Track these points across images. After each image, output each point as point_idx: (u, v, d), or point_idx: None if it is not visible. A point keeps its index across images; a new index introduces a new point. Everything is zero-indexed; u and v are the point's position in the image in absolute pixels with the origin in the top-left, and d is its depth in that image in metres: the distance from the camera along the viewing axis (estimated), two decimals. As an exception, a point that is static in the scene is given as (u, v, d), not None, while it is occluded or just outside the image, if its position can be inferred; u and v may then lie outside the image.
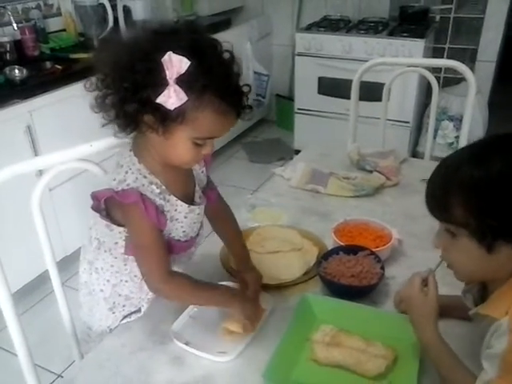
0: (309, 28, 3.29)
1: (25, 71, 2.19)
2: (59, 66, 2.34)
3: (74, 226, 2.31)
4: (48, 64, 2.42)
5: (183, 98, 0.78)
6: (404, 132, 3.12)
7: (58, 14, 2.79)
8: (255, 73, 3.49)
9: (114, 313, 1.03)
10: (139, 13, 2.73)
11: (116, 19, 2.66)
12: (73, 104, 2.25)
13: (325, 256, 1.15)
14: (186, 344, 0.97)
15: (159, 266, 0.91)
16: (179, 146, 0.85)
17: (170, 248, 0.97)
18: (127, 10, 2.71)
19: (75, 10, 2.75)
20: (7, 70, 2.18)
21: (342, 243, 1.18)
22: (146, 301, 1.04)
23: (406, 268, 1.18)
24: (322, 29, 3.24)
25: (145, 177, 0.89)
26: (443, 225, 0.81)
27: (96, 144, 1.11)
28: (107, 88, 0.84)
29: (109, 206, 0.94)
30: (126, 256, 0.97)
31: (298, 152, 1.94)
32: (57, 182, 2.19)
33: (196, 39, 0.82)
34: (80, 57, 2.47)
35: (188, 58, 0.78)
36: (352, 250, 1.15)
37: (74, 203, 2.34)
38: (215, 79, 0.81)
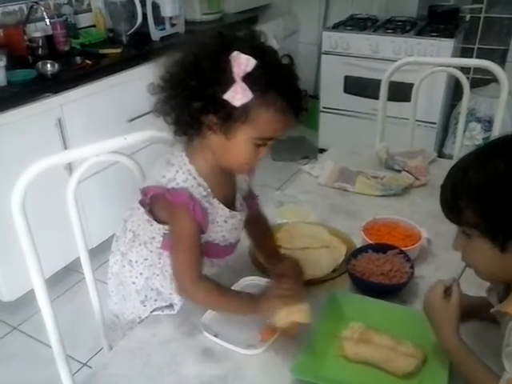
0: (336, 27, 3.28)
1: (56, 66, 2.23)
2: (89, 61, 2.39)
3: (100, 219, 2.35)
4: (78, 59, 2.47)
5: (249, 95, 0.80)
6: (430, 133, 3.09)
7: (89, 9, 2.84)
8: (280, 71, 3.48)
9: (145, 306, 1.04)
10: (168, 9, 2.75)
11: (145, 15, 2.68)
12: (101, 98, 2.29)
13: (354, 254, 1.15)
14: (216, 336, 0.98)
15: (192, 266, 0.92)
16: (239, 146, 0.86)
17: (208, 251, 0.98)
18: (156, 7, 2.73)
19: (105, 6, 2.79)
20: (40, 64, 2.23)
21: (370, 241, 1.18)
22: (176, 298, 1.04)
23: (435, 268, 1.17)
24: (349, 27, 3.22)
25: (194, 178, 0.90)
26: (459, 227, 0.83)
27: (130, 137, 1.13)
28: (172, 88, 0.85)
29: (154, 201, 0.95)
30: (161, 251, 0.98)
31: (322, 151, 1.94)
32: (85, 176, 2.22)
33: (258, 43, 0.85)
34: (109, 52, 2.52)
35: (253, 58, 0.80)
36: (381, 248, 1.15)
37: (101, 196, 2.38)
38: (278, 79, 0.83)
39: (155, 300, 1.04)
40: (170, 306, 1.05)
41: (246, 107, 0.81)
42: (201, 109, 0.83)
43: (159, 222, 0.96)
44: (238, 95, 0.80)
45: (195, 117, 0.84)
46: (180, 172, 0.89)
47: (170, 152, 0.94)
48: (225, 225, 0.98)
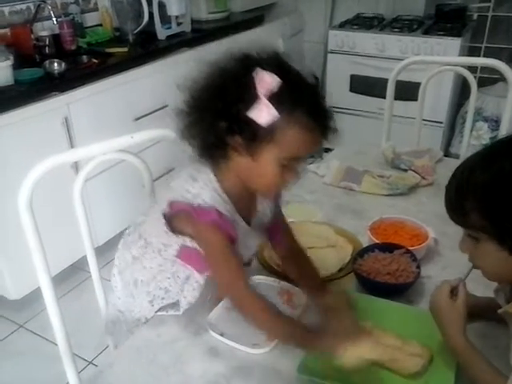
0: (342, 25, 3.27)
1: (63, 64, 2.24)
2: (95, 60, 2.40)
3: (106, 217, 2.36)
4: (85, 58, 2.48)
5: (274, 113, 0.79)
6: (437, 132, 3.08)
7: (95, 8, 2.85)
8: (286, 70, 3.48)
9: (152, 305, 1.04)
10: (174, 8, 2.75)
11: (151, 14, 2.69)
12: (108, 97, 2.30)
13: (360, 253, 1.14)
14: (222, 335, 0.98)
15: (237, 275, 0.89)
16: (266, 167, 0.84)
17: None
18: (162, 5, 2.73)
19: (112, 5, 2.80)
20: (47, 63, 2.24)
21: (377, 241, 1.18)
22: (183, 300, 1.03)
23: (442, 268, 1.17)
24: (356, 26, 3.21)
25: (219, 195, 0.89)
26: (465, 230, 0.82)
27: (137, 136, 1.13)
28: (197, 112, 0.85)
29: (176, 215, 0.94)
30: (176, 259, 0.97)
31: (328, 150, 1.92)
32: (91, 174, 2.23)
33: (282, 62, 0.84)
34: (115, 51, 2.52)
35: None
36: (388, 247, 1.14)
37: (107, 195, 2.39)
38: (304, 97, 0.82)
39: (162, 298, 1.04)
40: (176, 305, 1.05)
41: (272, 126, 0.80)
42: (226, 129, 0.82)
43: (177, 233, 0.95)
44: (263, 113, 0.79)
45: (221, 138, 0.83)
46: (206, 189, 0.88)
47: (194, 167, 0.92)
48: (243, 241, 0.96)
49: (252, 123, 0.79)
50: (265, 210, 0.99)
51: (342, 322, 0.90)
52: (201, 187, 0.88)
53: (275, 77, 0.79)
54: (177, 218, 0.94)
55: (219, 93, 0.82)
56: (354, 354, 0.84)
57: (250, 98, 0.79)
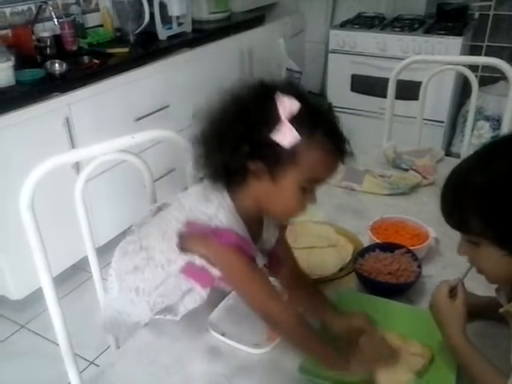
0: (343, 25, 3.27)
1: (64, 65, 2.25)
2: (97, 61, 2.40)
3: (108, 217, 2.36)
4: (86, 58, 2.48)
5: (297, 136, 0.80)
6: (438, 131, 3.07)
7: (96, 9, 2.85)
8: (287, 69, 3.48)
9: (152, 310, 1.01)
10: (175, 8, 2.75)
11: (152, 15, 2.69)
12: (109, 97, 2.31)
13: (361, 253, 1.15)
14: (223, 335, 0.98)
15: (268, 291, 0.88)
16: (287, 191, 0.85)
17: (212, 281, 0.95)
18: (163, 6, 2.74)
19: (113, 6, 2.80)
20: (48, 63, 2.24)
21: (378, 241, 1.18)
22: (184, 306, 1.00)
23: (443, 267, 1.17)
24: (357, 26, 3.21)
25: (234, 217, 0.88)
26: (463, 235, 0.81)
27: (138, 136, 1.13)
28: (216, 138, 0.85)
29: (189, 233, 0.92)
30: (178, 273, 0.95)
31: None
32: (92, 175, 2.24)
33: (297, 88, 0.86)
34: (116, 51, 2.53)
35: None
36: (388, 247, 1.14)
37: (109, 195, 2.39)
38: (324, 120, 0.84)
39: (162, 302, 1.02)
40: (174, 309, 1.01)
41: (293, 149, 0.81)
42: (248, 154, 0.82)
43: (187, 252, 0.93)
44: (286, 136, 0.80)
45: (242, 164, 0.83)
46: (221, 210, 0.87)
47: (206, 187, 0.91)
48: None
49: (275, 146, 0.81)
50: (269, 237, 0.98)
51: (373, 346, 0.90)
52: (216, 208, 0.87)
53: (294, 100, 0.81)
54: (191, 238, 0.92)
55: (240, 117, 0.82)
56: (389, 379, 0.85)
57: (273, 121, 0.80)
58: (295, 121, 0.80)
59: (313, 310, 1.01)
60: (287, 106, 0.80)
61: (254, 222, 0.91)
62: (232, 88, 0.86)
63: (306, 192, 0.86)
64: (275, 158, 0.81)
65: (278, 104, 0.80)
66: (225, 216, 0.86)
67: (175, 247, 0.92)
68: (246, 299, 0.90)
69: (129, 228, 1.08)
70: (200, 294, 0.96)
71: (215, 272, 0.91)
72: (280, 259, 1.01)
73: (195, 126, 0.88)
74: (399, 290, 1.07)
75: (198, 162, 0.88)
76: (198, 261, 0.92)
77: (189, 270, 0.93)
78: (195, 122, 0.87)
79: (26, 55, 2.35)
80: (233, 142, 0.83)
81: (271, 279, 1.09)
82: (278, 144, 0.80)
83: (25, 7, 2.48)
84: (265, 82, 0.86)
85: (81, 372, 1.17)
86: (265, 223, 0.96)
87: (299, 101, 0.81)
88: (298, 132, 0.80)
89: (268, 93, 0.82)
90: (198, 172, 0.90)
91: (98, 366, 1.85)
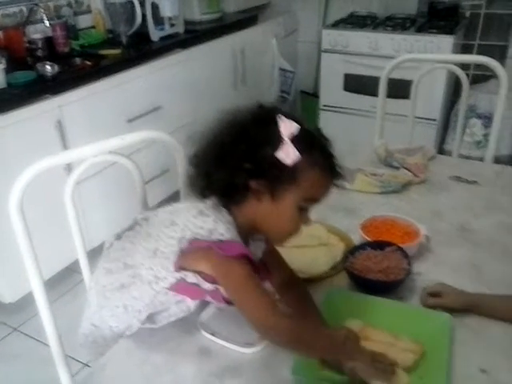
0: (335, 24, 3.28)
1: (56, 67, 2.24)
2: (89, 62, 2.40)
3: (101, 219, 2.35)
4: (78, 60, 2.47)
5: (298, 154, 0.83)
6: (430, 129, 3.09)
7: (88, 11, 2.85)
8: (280, 69, 3.49)
9: (139, 321, 0.98)
10: (167, 9, 2.75)
11: (144, 16, 2.69)
12: (101, 99, 2.30)
13: (352, 251, 1.15)
14: (213, 335, 0.98)
15: (268, 302, 0.86)
16: (286, 210, 0.87)
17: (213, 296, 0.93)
18: (155, 7, 2.73)
19: (105, 7, 2.80)
20: (39, 65, 2.23)
21: (369, 239, 1.18)
22: (168, 315, 0.99)
23: (433, 265, 1.17)
24: (349, 25, 3.22)
25: (233, 227, 0.88)
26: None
27: (127, 137, 1.13)
28: (216, 158, 0.87)
29: (188, 251, 0.91)
30: (167, 291, 0.93)
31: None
32: (83, 176, 2.23)
33: (288, 112, 0.88)
34: (108, 53, 2.52)
35: None
36: (379, 245, 1.15)
37: (102, 196, 2.39)
38: (319, 140, 0.88)
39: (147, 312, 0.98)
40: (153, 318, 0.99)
41: (294, 168, 0.84)
42: (250, 172, 0.84)
43: (181, 269, 0.91)
44: (290, 155, 0.83)
45: (244, 182, 0.85)
46: (219, 222, 0.87)
47: (199, 203, 0.91)
48: None
49: (278, 165, 0.83)
50: (256, 250, 0.97)
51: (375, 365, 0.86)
52: (214, 221, 0.87)
53: (293, 122, 0.85)
54: (192, 254, 0.90)
55: (242, 137, 0.85)
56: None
57: (276, 140, 0.83)
58: (295, 141, 0.83)
59: (300, 314, 0.99)
60: (288, 126, 0.84)
61: (243, 239, 0.91)
62: (229, 110, 0.89)
63: (302, 212, 0.90)
64: (277, 176, 0.84)
65: (280, 124, 0.84)
66: (224, 228, 0.87)
67: (168, 265, 0.91)
68: (247, 313, 0.87)
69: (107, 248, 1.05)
70: (188, 305, 0.96)
71: (207, 287, 0.91)
72: (269, 270, 1.00)
73: (191, 147, 0.90)
74: (389, 288, 1.07)
75: (193, 180, 0.90)
76: (191, 278, 0.91)
77: (179, 287, 0.92)
78: (191, 144, 0.90)
79: (18, 57, 2.34)
80: (235, 161, 0.85)
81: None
82: (280, 163, 0.83)
83: (16, 9, 2.47)
84: (264, 105, 0.90)
85: (75, 374, 1.17)
86: (251, 237, 0.96)
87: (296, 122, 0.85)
88: (299, 151, 0.83)
89: (269, 114, 0.86)
90: (192, 190, 0.91)
91: (91, 367, 1.85)
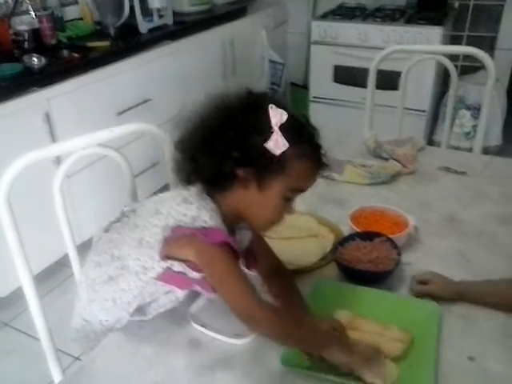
0: (325, 16, 3.28)
1: (43, 59, 2.21)
2: (76, 54, 2.37)
3: (92, 212, 2.34)
4: (65, 52, 2.44)
5: (286, 144, 0.83)
6: (420, 121, 3.10)
7: (75, 2, 2.81)
8: (270, 61, 3.48)
9: (129, 313, 0.98)
10: (155, 0, 2.73)
11: (132, 7, 2.66)
12: (90, 91, 2.28)
13: (341, 242, 1.15)
14: (203, 326, 0.98)
15: (251, 292, 0.86)
16: (271, 199, 0.87)
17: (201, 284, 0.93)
18: (143, -1, 2.71)
19: (92, -1, 2.77)
20: (26, 58, 2.20)
21: (358, 230, 1.19)
22: (158, 306, 0.99)
23: (422, 255, 1.18)
24: (338, 17, 3.22)
25: (217, 215, 0.88)
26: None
27: (116, 129, 1.12)
28: (205, 143, 0.86)
29: (172, 238, 0.90)
30: (155, 281, 0.93)
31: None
32: (73, 170, 2.22)
33: (279, 101, 0.87)
34: (96, 45, 2.50)
35: None
36: (368, 236, 1.15)
37: (92, 190, 2.37)
38: (308, 130, 0.88)
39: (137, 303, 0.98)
40: (143, 310, 1.00)
41: (282, 157, 0.83)
42: (239, 160, 0.84)
43: (167, 258, 0.90)
44: (278, 144, 0.82)
45: (231, 170, 0.84)
46: (203, 210, 0.86)
47: (182, 191, 0.91)
48: None
49: (266, 154, 0.83)
50: (242, 239, 0.97)
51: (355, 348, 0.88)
52: (197, 208, 0.87)
53: (283, 111, 0.84)
54: (176, 241, 0.90)
55: (231, 124, 0.84)
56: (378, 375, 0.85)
57: (265, 129, 0.83)
58: (284, 130, 0.83)
59: (284, 304, 0.99)
60: (278, 115, 0.83)
61: (228, 227, 0.91)
62: (217, 95, 0.88)
63: (287, 202, 0.89)
64: (265, 165, 0.84)
65: (270, 112, 0.83)
66: (208, 215, 0.86)
67: (154, 254, 0.90)
68: (229, 299, 0.87)
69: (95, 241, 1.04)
70: (177, 296, 0.96)
71: (194, 275, 0.90)
72: (256, 258, 1.01)
73: (177, 128, 0.89)
74: (379, 278, 1.08)
75: (179, 165, 0.89)
76: (177, 267, 0.91)
77: (166, 276, 0.92)
78: (178, 123, 0.89)
79: (4, 50, 2.31)
80: (223, 148, 0.84)
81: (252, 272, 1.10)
82: (268, 152, 0.83)
83: (1, 0, 2.43)
84: (253, 92, 0.89)
85: (66, 368, 1.16)
86: (237, 226, 0.96)
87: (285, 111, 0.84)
88: (288, 141, 0.83)
89: (258, 101, 0.85)
90: (177, 175, 0.91)
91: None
